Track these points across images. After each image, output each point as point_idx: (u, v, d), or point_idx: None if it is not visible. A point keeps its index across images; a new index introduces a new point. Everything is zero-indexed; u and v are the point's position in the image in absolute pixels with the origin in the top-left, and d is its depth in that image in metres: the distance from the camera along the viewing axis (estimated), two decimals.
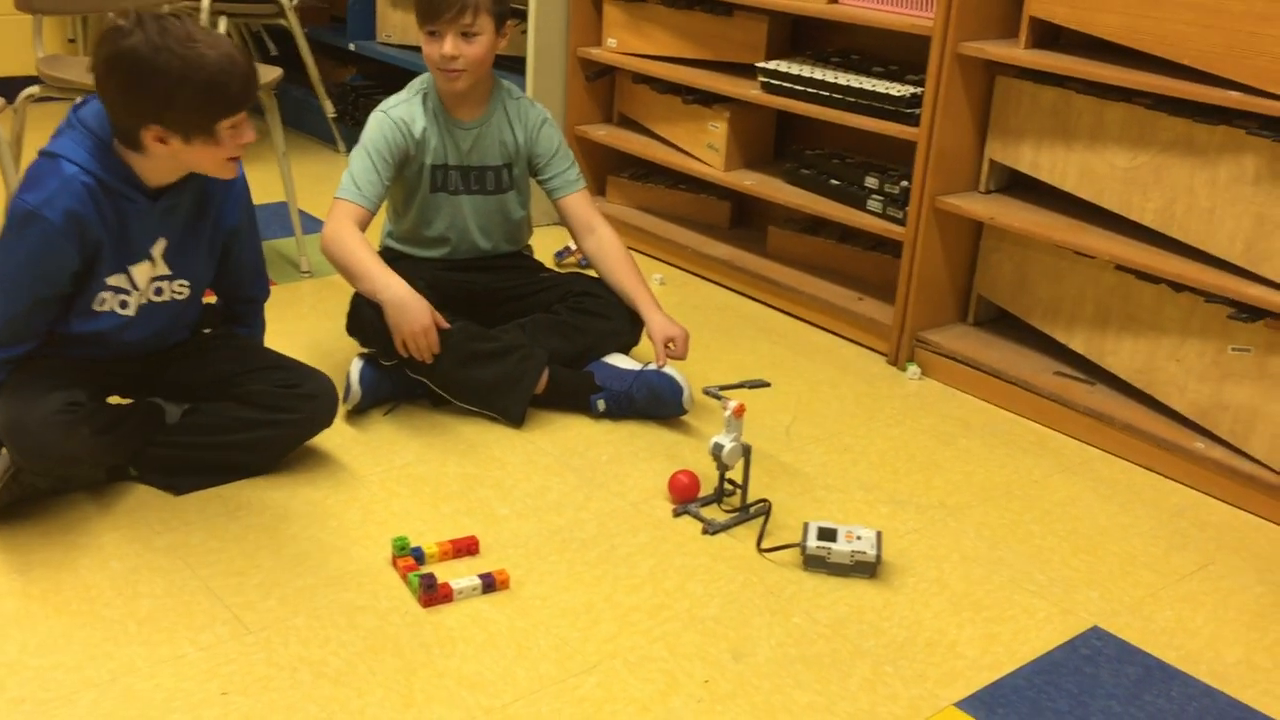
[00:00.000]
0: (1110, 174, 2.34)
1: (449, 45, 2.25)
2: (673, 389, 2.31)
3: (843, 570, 1.90)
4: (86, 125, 1.84)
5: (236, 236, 2.08)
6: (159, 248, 1.94)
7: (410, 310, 2.17)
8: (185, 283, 2.01)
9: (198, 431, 2.04)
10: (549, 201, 2.51)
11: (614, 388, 2.32)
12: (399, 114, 2.34)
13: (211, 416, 2.05)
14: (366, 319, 2.25)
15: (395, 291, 2.18)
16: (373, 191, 2.29)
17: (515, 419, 2.29)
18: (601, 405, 2.32)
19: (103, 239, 1.86)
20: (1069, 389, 2.45)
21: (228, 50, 1.79)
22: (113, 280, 1.91)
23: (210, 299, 2.16)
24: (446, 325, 2.22)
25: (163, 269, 1.96)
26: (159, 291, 1.98)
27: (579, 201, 2.46)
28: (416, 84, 2.39)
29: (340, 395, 2.17)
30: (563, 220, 2.50)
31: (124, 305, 1.94)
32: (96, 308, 1.92)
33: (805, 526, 1.94)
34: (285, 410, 2.05)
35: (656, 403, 2.32)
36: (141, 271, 1.94)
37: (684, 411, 2.33)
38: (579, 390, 2.34)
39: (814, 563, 1.91)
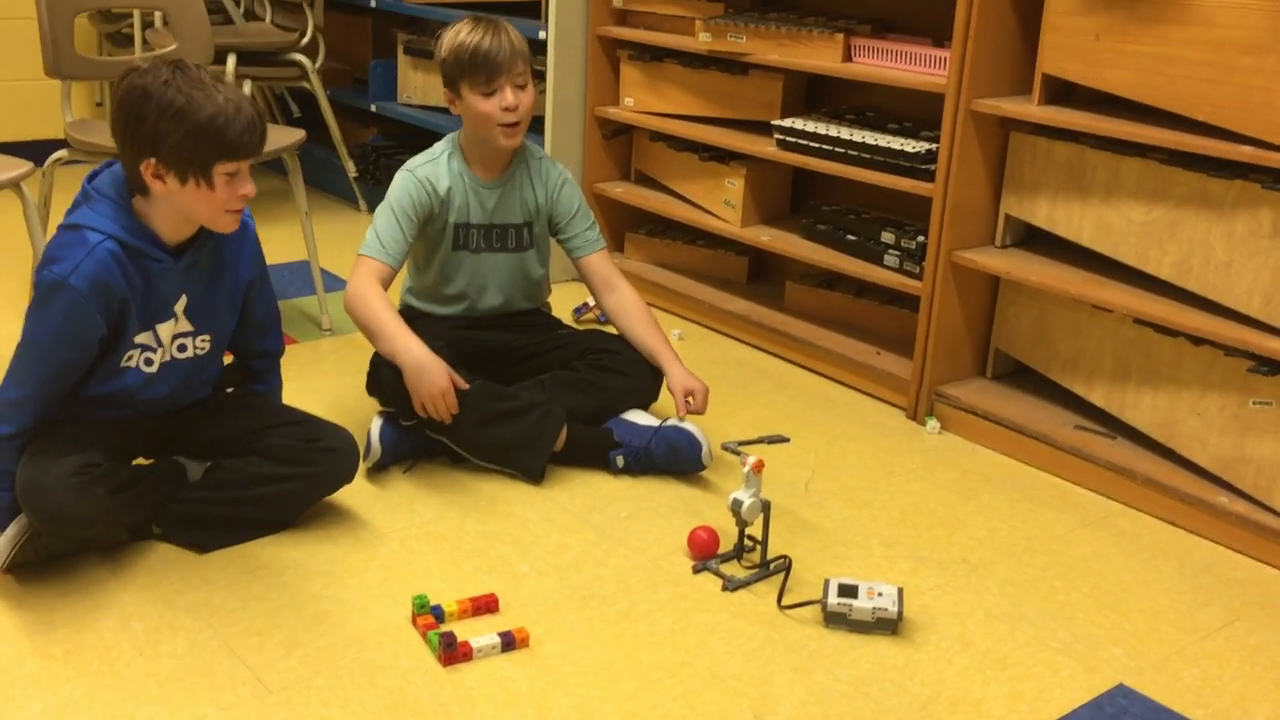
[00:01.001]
0: (1126, 228, 2.35)
1: (510, 95, 2.29)
2: (691, 445, 2.31)
3: (864, 627, 1.89)
4: (103, 193, 1.88)
5: (253, 289, 2.11)
6: (181, 304, 1.97)
7: (428, 373, 2.19)
8: (207, 338, 2.03)
9: (220, 487, 2.05)
10: (567, 259, 2.53)
11: (632, 444, 2.33)
12: (425, 173, 2.37)
13: (233, 472, 2.06)
14: (385, 379, 2.27)
15: (414, 355, 2.20)
16: (397, 249, 2.32)
17: (535, 476, 2.29)
18: (620, 461, 2.33)
19: (129, 301, 1.88)
20: (1090, 443, 2.44)
21: (237, 100, 1.82)
22: (140, 339, 1.94)
23: (228, 359, 2.18)
24: (465, 385, 2.23)
25: (185, 325, 1.99)
26: (182, 348, 2.00)
27: (599, 261, 2.48)
28: (441, 145, 2.43)
29: (361, 453, 2.18)
30: (583, 279, 2.52)
31: (149, 363, 1.97)
32: (124, 364, 1.94)
33: (826, 583, 1.93)
34: (306, 464, 2.07)
35: (675, 458, 2.32)
36: (167, 329, 1.97)
37: (703, 467, 2.34)
38: (597, 447, 2.34)
39: (835, 620, 1.90)
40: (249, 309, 2.12)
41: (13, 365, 1.90)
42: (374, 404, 2.38)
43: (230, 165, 1.84)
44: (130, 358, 1.95)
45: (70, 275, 1.81)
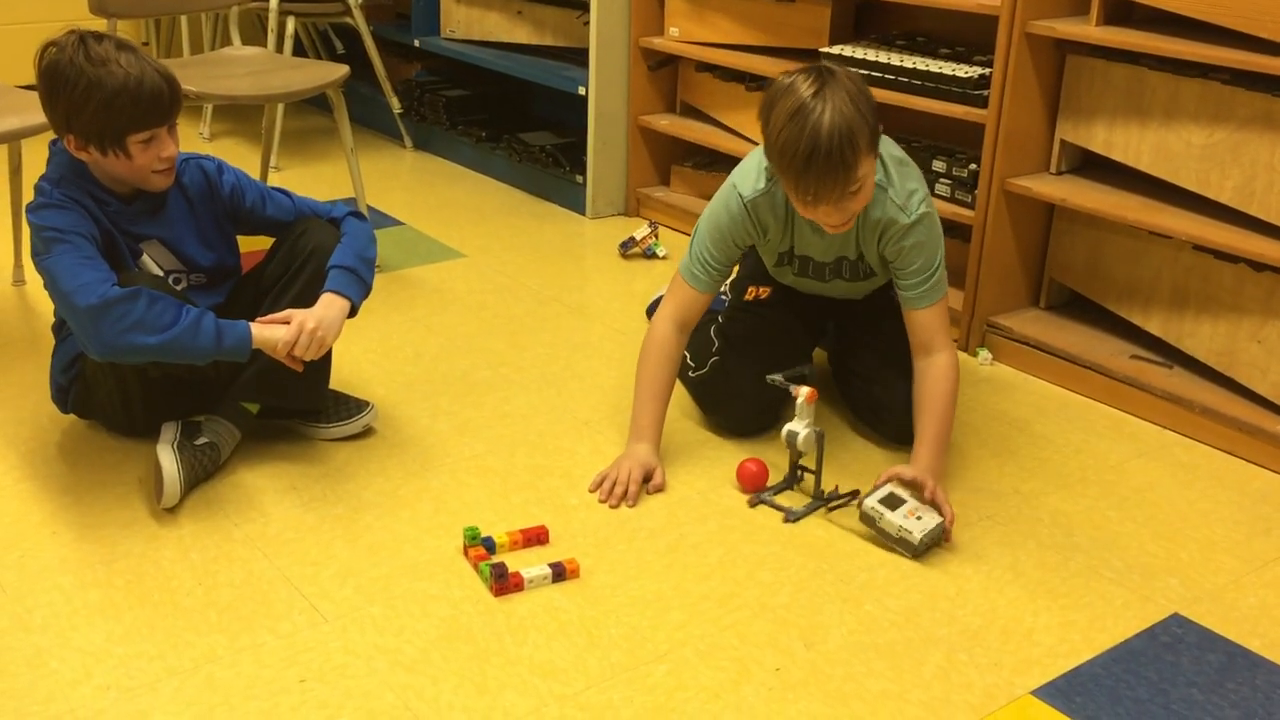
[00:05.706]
0: (1186, 152, 2.29)
1: (833, 215, 1.93)
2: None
3: (885, 539, 1.90)
4: (57, 148, 1.98)
5: (255, 211, 2.12)
6: (153, 246, 2.04)
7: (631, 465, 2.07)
8: (201, 275, 2.11)
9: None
10: (599, 186, 2.46)
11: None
12: None
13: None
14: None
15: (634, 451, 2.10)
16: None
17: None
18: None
19: (106, 226, 1.96)
20: (1146, 372, 2.40)
21: (138, 73, 1.88)
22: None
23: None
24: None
25: (174, 264, 2.06)
26: (177, 281, 2.08)
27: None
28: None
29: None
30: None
31: None
32: None
33: (882, 483, 1.93)
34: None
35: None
36: (148, 265, 2.04)
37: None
38: None
39: (865, 520, 1.92)
40: (271, 223, 2.13)
41: (56, 283, 1.89)
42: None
43: (142, 135, 1.91)
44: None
45: (52, 184, 1.93)
